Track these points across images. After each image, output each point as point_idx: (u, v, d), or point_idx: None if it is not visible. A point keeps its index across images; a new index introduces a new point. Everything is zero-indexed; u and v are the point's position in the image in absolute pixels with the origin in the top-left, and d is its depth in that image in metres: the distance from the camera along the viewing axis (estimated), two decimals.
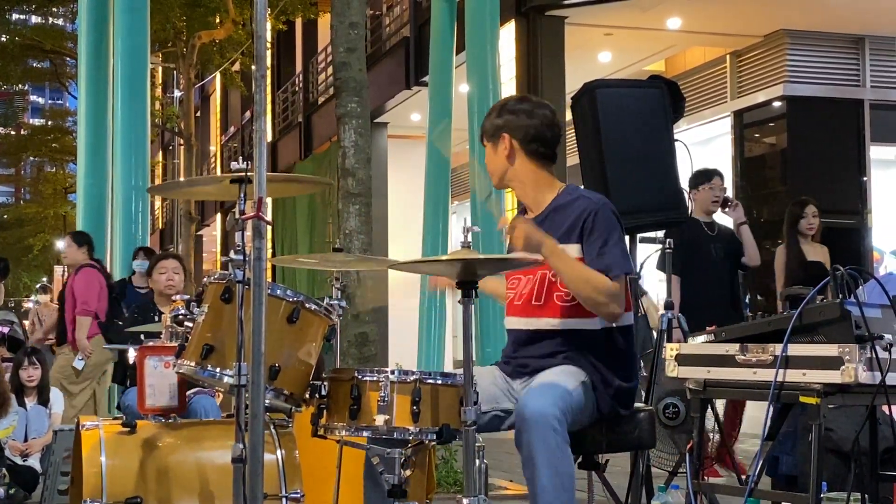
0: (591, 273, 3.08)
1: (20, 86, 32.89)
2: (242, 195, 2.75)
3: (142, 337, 4.06)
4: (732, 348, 3.29)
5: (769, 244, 12.02)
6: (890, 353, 3.03)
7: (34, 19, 25.58)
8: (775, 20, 11.04)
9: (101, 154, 7.89)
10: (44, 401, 6.62)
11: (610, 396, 3.15)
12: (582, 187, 3.51)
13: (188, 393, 4.12)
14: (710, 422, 4.48)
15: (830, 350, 3.03)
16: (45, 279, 43.87)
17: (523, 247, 3.04)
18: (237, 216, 2.73)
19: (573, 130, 4.52)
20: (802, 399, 3.08)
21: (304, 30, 21.38)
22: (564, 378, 3.07)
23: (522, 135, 3.26)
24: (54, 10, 22.96)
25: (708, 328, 3.77)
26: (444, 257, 2.83)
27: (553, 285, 3.18)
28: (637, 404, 3.36)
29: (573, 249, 3.15)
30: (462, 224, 2.86)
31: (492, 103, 3.86)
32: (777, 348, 3.15)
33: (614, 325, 3.17)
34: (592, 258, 3.11)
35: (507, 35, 10.89)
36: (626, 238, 4.45)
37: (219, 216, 26.26)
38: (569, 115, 3.91)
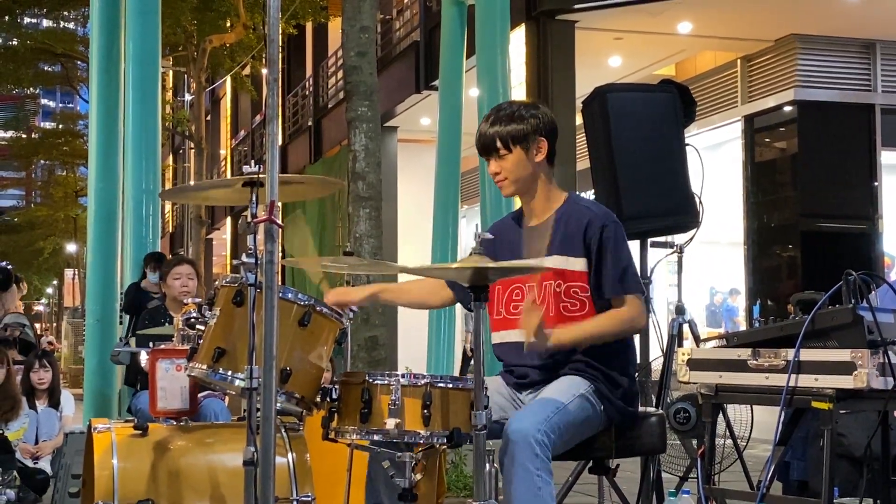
0: (610, 320, 3.10)
1: (31, 89, 33.05)
2: (254, 198, 2.76)
3: (151, 343, 4.06)
4: (744, 353, 3.28)
5: (779, 249, 12.01)
6: None
7: (45, 23, 25.67)
8: (786, 25, 11.02)
9: (112, 157, 7.88)
10: (55, 403, 6.64)
11: (619, 398, 3.15)
12: (582, 195, 3.46)
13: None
14: (721, 427, 4.48)
15: (843, 355, 3.02)
16: (55, 282, 44.02)
17: (533, 336, 2.97)
18: (249, 219, 2.73)
19: (583, 135, 4.52)
20: (814, 404, 3.07)
21: (314, 34, 21.43)
22: (562, 392, 3.04)
23: (553, 138, 3.22)
24: (66, 13, 23.00)
25: None
26: (455, 265, 2.82)
27: (558, 296, 3.13)
28: (648, 409, 3.35)
29: (578, 263, 3.12)
30: (473, 229, 2.85)
31: None
32: (789, 353, 3.14)
33: None
34: (609, 280, 3.10)
35: (518, 39, 10.89)
36: (637, 242, 4.47)
37: (229, 219, 26.35)
38: (579, 120, 3.91)
